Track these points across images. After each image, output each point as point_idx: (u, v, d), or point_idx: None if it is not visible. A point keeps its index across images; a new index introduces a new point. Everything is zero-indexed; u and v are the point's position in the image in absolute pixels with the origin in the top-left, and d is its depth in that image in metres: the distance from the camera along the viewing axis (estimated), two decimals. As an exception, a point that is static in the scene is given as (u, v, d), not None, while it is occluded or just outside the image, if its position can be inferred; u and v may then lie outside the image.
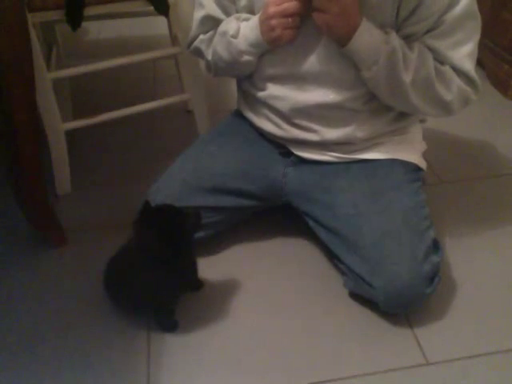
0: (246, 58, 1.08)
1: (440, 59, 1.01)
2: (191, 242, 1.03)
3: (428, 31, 0.99)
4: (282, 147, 1.19)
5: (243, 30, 1.06)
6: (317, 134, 1.11)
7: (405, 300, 1.02)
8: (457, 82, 1.02)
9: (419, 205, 1.10)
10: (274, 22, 0.99)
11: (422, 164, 1.19)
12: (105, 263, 1.09)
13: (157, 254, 0.96)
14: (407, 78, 0.99)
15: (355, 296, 1.11)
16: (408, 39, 1.00)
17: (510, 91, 1.84)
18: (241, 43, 1.06)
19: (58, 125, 1.38)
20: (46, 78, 1.30)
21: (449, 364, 1.00)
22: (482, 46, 1.93)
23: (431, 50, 1.00)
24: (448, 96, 1.02)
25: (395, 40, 0.97)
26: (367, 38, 0.96)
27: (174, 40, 1.62)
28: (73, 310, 1.12)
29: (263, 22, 1.01)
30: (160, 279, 0.99)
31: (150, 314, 1.08)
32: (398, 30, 0.99)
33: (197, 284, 1.14)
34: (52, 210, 1.24)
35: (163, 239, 0.93)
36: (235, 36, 1.07)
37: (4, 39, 0.98)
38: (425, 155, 1.22)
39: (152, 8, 1.38)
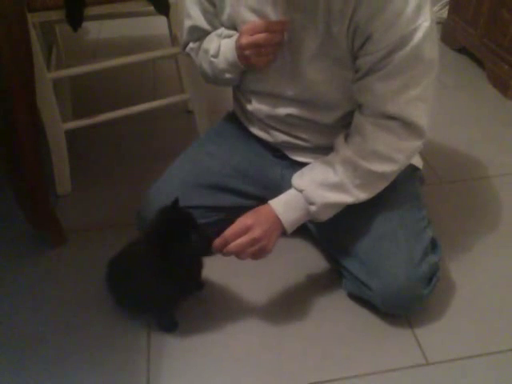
0: (228, 75, 1.09)
1: (383, 107, 0.95)
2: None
3: (374, 70, 0.92)
4: (277, 150, 1.20)
5: (223, 48, 1.07)
6: (306, 141, 1.11)
7: (402, 301, 1.02)
8: (397, 147, 0.97)
9: (416, 205, 1.10)
10: (247, 52, 0.99)
11: (419, 163, 1.19)
12: (106, 263, 1.09)
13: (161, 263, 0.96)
14: (345, 198, 0.99)
15: (355, 296, 1.11)
16: (356, 75, 0.96)
17: (510, 91, 1.84)
18: (221, 62, 1.08)
19: (58, 125, 1.38)
20: (46, 77, 1.30)
21: (449, 364, 1.00)
22: (482, 45, 1.96)
23: (376, 95, 0.95)
24: (394, 166, 0.99)
25: (312, 196, 0.98)
26: (292, 216, 1.00)
27: (173, 40, 1.62)
28: (73, 310, 1.13)
29: (238, 49, 1.02)
30: (162, 281, 0.98)
31: (151, 315, 1.08)
32: (355, 59, 0.95)
33: (198, 285, 1.14)
34: (52, 210, 1.24)
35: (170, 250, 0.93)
36: (215, 55, 1.08)
37: (4, 39, 0.98)
38: (425, 155, 1.22)
39: (152, 8, 1.38)
